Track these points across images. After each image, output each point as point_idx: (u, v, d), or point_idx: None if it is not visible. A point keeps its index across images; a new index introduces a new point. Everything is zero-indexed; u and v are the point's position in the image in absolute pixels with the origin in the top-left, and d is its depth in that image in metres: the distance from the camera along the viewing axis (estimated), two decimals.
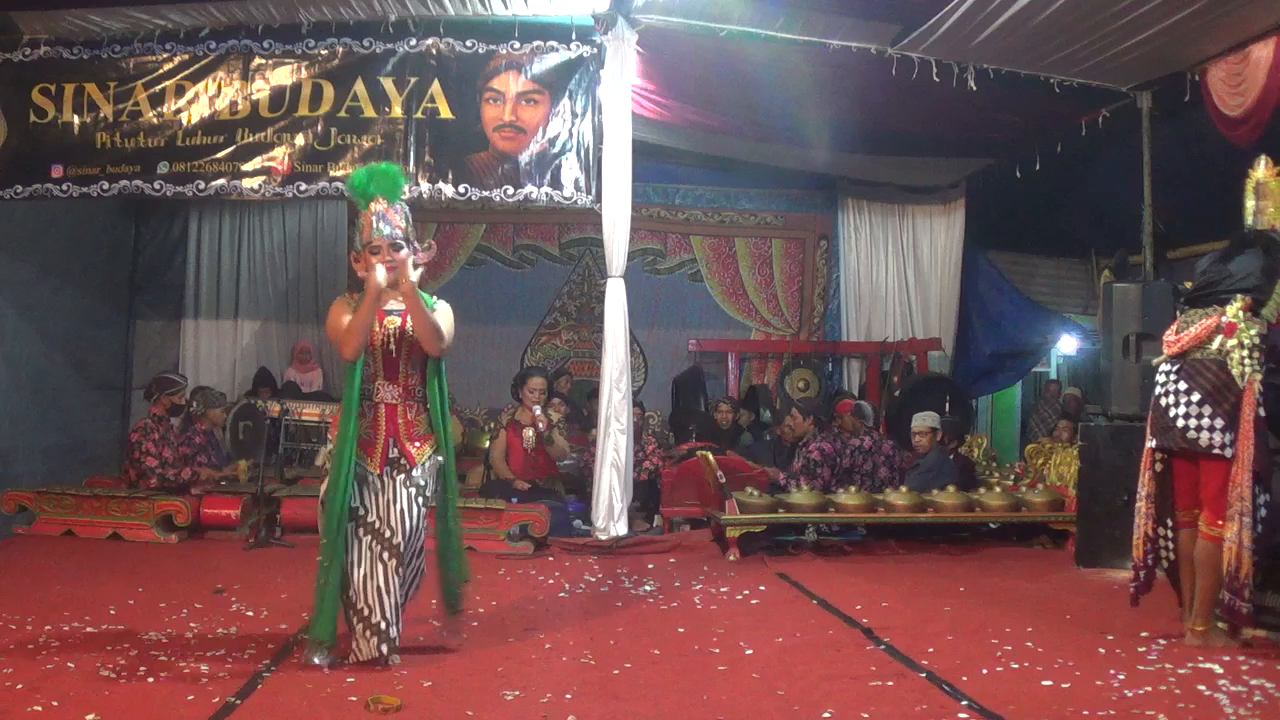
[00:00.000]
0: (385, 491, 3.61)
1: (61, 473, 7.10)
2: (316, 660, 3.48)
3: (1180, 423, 3.84)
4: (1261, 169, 4.06)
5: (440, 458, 3.77)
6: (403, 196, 3.75)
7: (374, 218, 3.63)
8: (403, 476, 3.64)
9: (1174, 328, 4.01)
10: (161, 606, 4.33)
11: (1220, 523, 3.74)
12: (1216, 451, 3.76)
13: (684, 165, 9.59)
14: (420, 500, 3.68)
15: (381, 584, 3.50)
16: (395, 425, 3.68)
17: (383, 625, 3.48)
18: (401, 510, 3.59)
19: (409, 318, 3.66)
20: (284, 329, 9.36)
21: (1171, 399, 3.89)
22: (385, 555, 3.54)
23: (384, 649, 3.47)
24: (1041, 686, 3.33)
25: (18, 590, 4.57)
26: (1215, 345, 3.81)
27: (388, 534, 3.56)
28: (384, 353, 3.68)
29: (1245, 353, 3.74)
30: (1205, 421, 3.79)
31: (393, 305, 3.71)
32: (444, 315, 3.75)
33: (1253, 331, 3.76)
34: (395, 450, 3.65)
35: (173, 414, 6.90)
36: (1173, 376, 3.92)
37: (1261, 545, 3.81)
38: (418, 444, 3.70)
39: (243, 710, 3.01)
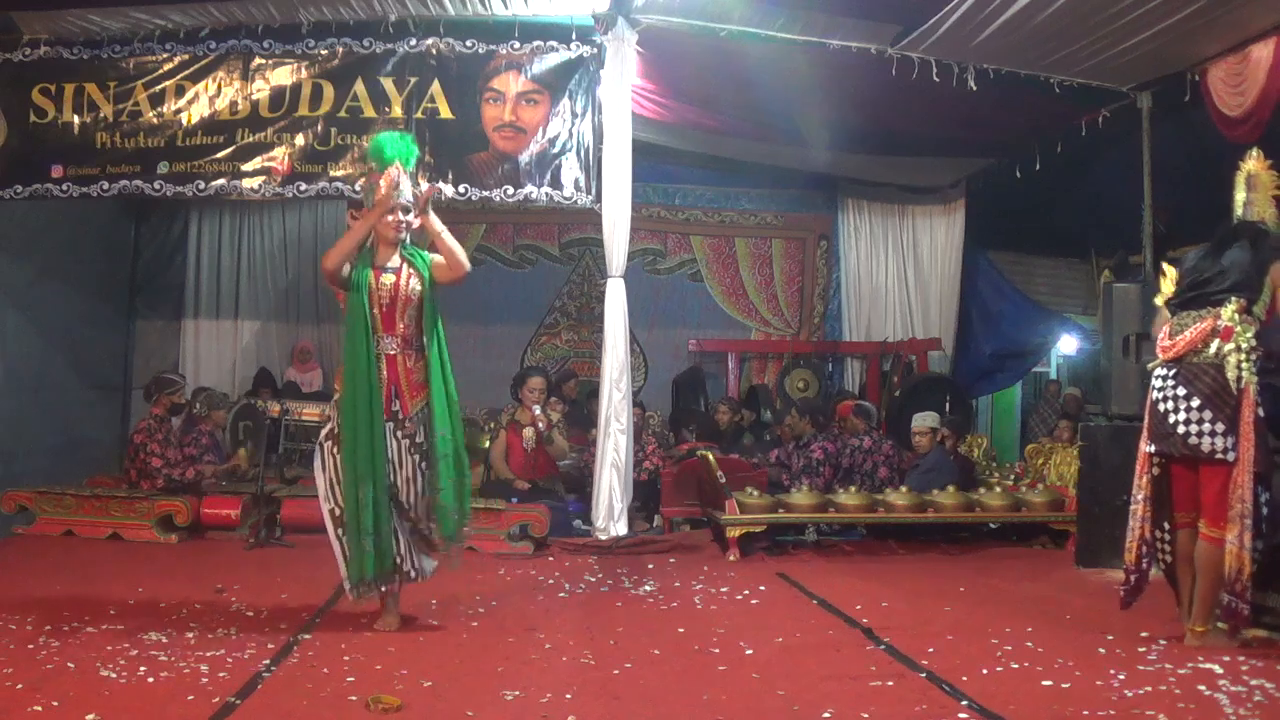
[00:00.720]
0: (391, 453, 4.00)
1: (61, 473, 7.09)
2: (369, 595, 3.98)
3: (1181, 429, 3.81)
4: (1253, 161, 4.03)
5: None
6: (412, 167, 4.13)
7: (392, 180, 3.99)
8: (407, 442, 4.02)
9: (1167, 330, 3.97)
10: (161, 606, 4.33)
11: (1221, 525, 3.73)
12: (1219, 457, 3.74)
13: (684, 165, 9.59)
14: (421, 462, 4.05)
15: (412, 540, 4.05)
16: (396, 374, 4.03)
17: (413, 575, 4.05)
18: (407, 478, 4.03)
19: (403, 275, 4.02)
20: (284, 329, 9.36)
21: (1170, 405, 3.86)
22: (408, 524, 4.05)
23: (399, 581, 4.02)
24: (1041, 686, 3.33)
25: (18, 590, 4.57)
26: (1213, 350, 3.79)
27: (407, 501, 4.03)
28: (381, 308, 4.02)
29: (1242, 356, 3.72)
30: (1206, 427, 3.76)
31: (389, 264, 4.06)
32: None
33: (1249, 334, 3.74)
34: (396, 402, 4.02)
35: (173, 414, 6.89)
36: (1170, 382, 3.88)
37: (1266, 544, 3.82)
38: (415, 392, 4.06)
39: (243, 710, 3.00)
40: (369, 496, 3.88)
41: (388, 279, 4.01)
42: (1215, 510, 3.77)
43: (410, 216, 4.05)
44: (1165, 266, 4.17)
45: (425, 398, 4.06)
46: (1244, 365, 3.71)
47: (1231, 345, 3.73)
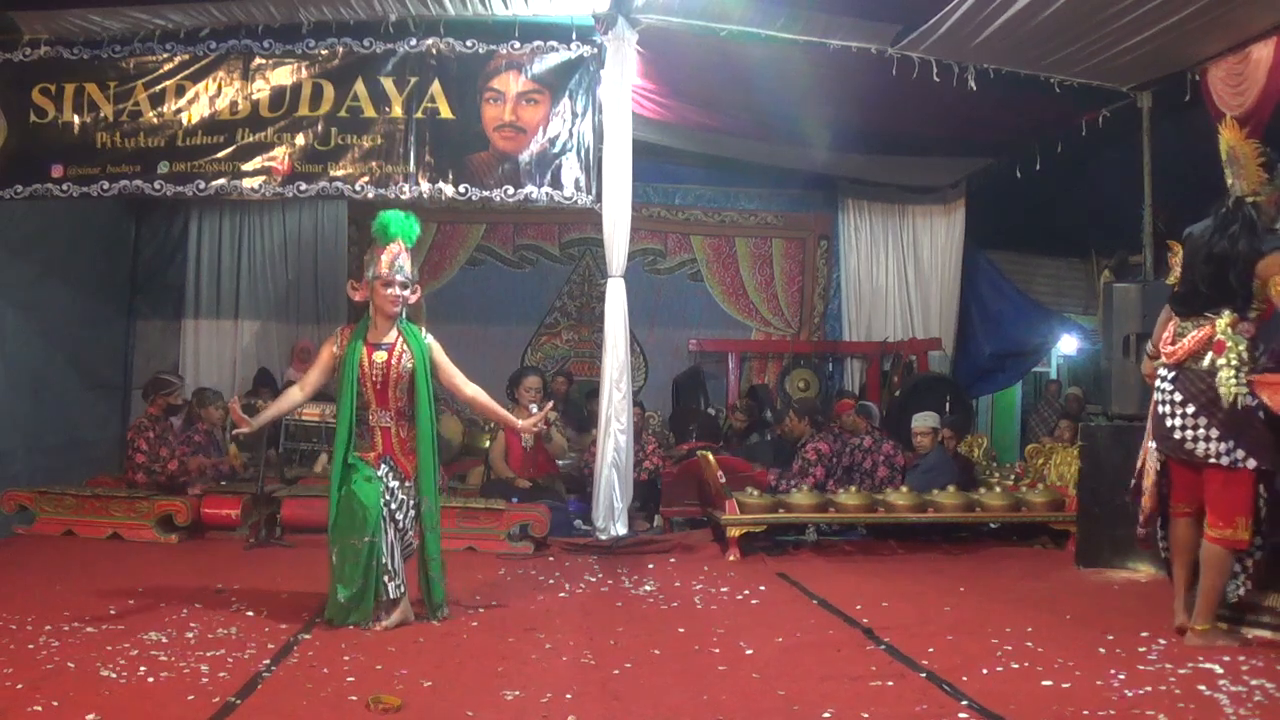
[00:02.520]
0: (386, 487, 4.14)
1: (61, 473, 7.09)
2: (371, 625, 4.02)
3: (1177, 434, 3.88)
4: (1228, 131, 4.00)
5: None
6: (413, 244, 4.27)
7: (393, 256, 4.16)
8: (397, 484, 4.17)
9: (1171, 332, 4.00)
10: (161, 606, 4.33)
11: (1224, 525, 3.76)
12: (1213, 461, 3.79)
13: (684, 165, 9.59)
14: (411, 500, 4.25)
15: (400, 556, 4.17)
16: (390, 444, 4.20)
17: (399, 576, 4.13)
18: (402, 501, 4.20)
19: (394, 353, 4.17)
20: (284, 329, 9.35)
21: (1168, 409, 3.93)
22: (396, 536, 4.17)
23: (394, 590, 4.09)
24: (1041, 686, 3.33)
25: (18, 590, 4.56)
26: (1206, 362, 3.83)
27: (402, 524, 4.19)
28: (374, 385, 4.18)
29: (1232, 372, 3.75)
30: (1201, 432, 3.81)
31: (383, 340, 4.21)
32: (440, 353, 4.31)
33: (1241, 348, 3.76)
34: (391, 462, 4.19)
35: (169, 414, 6.91)
36: (1169, 386, 3.94)
37: (1266, 543, 3.84)
38: (410, 458, 4.23)
39: (243, 710, 3.01)
40: (347, 553, 4.01)
41: (380, 356, 4.17)
42: (1218, 510, 3.79)
43: (407, 292, 4.20)
44: (1172, 244, 4.17)
45: (416, 463, 4.23)
46: (1233, 381, 3.74)
47: (1224, 360, 3.77)
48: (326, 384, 4.34)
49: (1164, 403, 3.95)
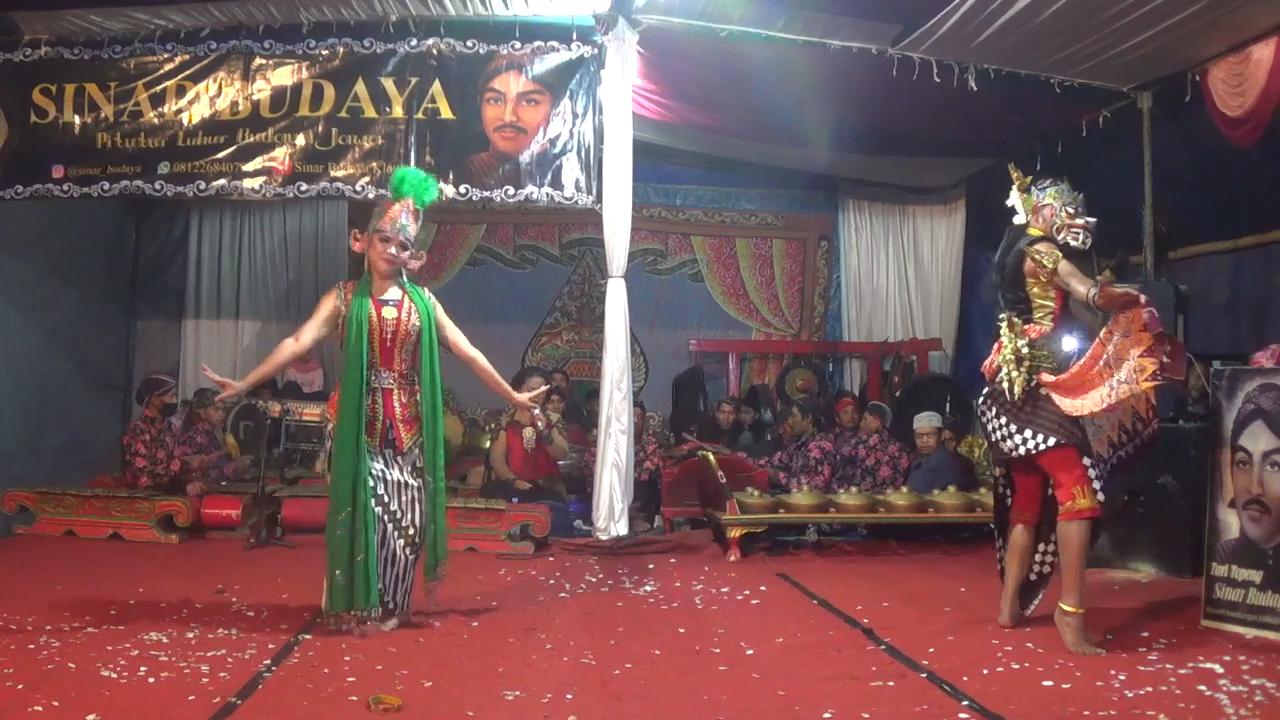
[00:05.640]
0: (392, 474, 4.04)
1: (62, 473, 7.10)
2: (361, 628, 3.90)
3: (1004, 444, 4.07)
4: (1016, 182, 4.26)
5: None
6: (425, 207, 4.18)
7: (398, 213, 4.07)
8: (409, 468, 4.07)
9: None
10: (162, 606, 4.34)
11: (1063, 499, 3.89)
12: (1019, 453, 3.98)
13: (684, 165, 9.57)
14: (421, 490, 4.12)
15: (400, 572, 4.05)
16: (392, 408, 4.06)
17: (391, 606, 4.03)
18: (412, 498, 4.08)
19: (403, 309, 4.07)
20: (284, 329, 9.24)
21: (990, 425, 4.16)
22: (401, 542, 4.04)
23: (384, 619, 3.99)
24: (1041, 686, 3.33)
25: (18, 590, 4.57)
26: (998, 364, 4.06)
27: (404, 522, 4.05)
28: (380, 342, 4.04)
29: (1012, 365, 3.96)
30: (1007, 431, 4.02)
31: (388, 296, 4.09)
32: (442, 312, 4.22)
33: (1019, 343, 3.98)
34: (391, 432, 4.03)
35: (166, 414, 6.92)
36: (982, 405, 4.21)
37: (1272, 546, 3.90)
38: (408, 426, 4.10)
39: (243, 710, 3.01)
40: (346, 528, 3.90)
41: (389, 313, 4.07)
42: (1057, 487, 3.93)
43: (406, 254, 4.11)
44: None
45: (418, 433, 4.12)
46: (1014, 373, 3.94)
47: (1001, 358, 4.02)
48: (323, 338, 4.14)
49: (986, 420, 4.18)
